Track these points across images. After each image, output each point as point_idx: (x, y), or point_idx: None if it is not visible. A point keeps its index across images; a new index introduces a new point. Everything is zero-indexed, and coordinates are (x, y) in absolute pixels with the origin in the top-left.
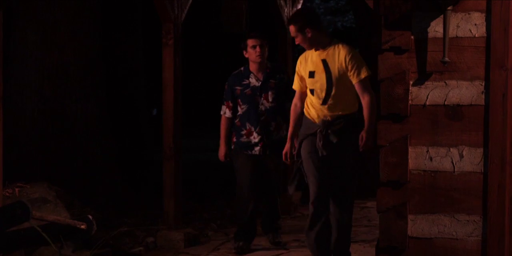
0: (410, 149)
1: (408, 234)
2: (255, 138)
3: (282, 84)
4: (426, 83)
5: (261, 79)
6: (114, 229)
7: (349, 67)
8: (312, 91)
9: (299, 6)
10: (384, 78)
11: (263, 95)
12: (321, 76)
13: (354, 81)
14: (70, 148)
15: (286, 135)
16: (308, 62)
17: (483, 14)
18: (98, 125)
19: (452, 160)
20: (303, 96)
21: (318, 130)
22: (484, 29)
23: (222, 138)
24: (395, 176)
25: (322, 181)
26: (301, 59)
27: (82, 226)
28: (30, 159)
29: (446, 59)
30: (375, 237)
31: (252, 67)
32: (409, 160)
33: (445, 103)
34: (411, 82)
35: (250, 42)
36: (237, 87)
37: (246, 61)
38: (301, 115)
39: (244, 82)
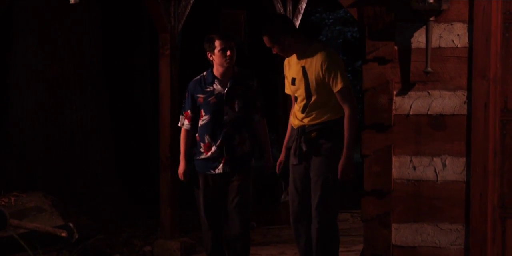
0: (394, 159)
1: (392, 243)
2: (214, 153)
3: (250, 92)
4: (409, 93)
5: (228, 85)
6: (112, 238)
7: (326, 77)
8: (296, 98)
9: (300, 17)
10: (368, 88)
11: (229, 103)
12: (300, 84)
13: (334, 91)
14: (69, 157)
15: (250, 151)
16: (292, 67)
17: (465, 25)
18: (99, 134)
19: (435, 169)
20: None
21: (296, 137)
22: (466, 39)
23: (182, 153)
24: (379, 185)
25: (302, 194)
26: (285, 63)
27: (63, 234)
28: (29, 168)
29: (429, 69)
30: None
31: (218, 71)
32: (393, 170)
33: (428, 113)
34: (394, 92)
35: (219, 44)
36: (199, 95)
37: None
38: None
39: (208, 89)
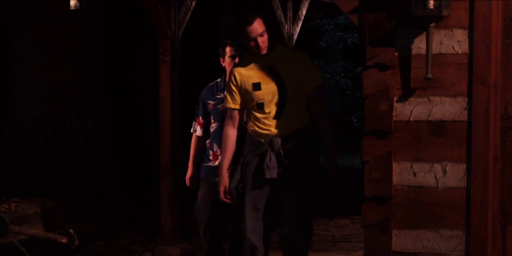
0: (394, 165)
1: (393, 249)
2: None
3: None
4: (410, 99)
5: None
6: (112, 244)
7: (306, 72)
8: (259, 106)
9: (300, 23)
10: (368, 95)
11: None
12: (270, 87)
13: (310, 87)
14: (70, 164)
15: None
16: (249, 73)
17: (466, 31)
18: (99, 141)
19: (435, 175)
20: (239, 116)
21: (269, 149)
22: (467, 45)
23: (191, 159)
24: (379, 192)
25: (265, 211)
26: (236, 72)
27: (63, 240)
28: (29, 175)
29: (429, 75)
30: None
31: None
32: (393, 176)
33: (429, 119)
34: (395, 98)
35: (229, 51)
36: (209, 101)
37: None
38: (234, 147)
39: (218, 96)
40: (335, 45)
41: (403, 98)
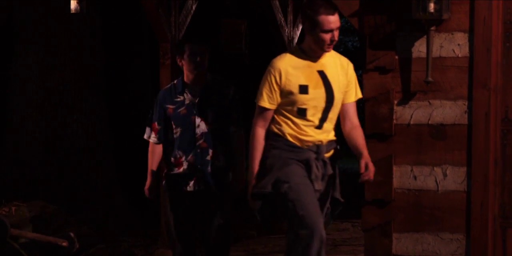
0: (394, 168)
1: (393, 253)
2: (185, 169)
3: (225, 101)
4: (410, 102)
5: (199, 94)
6: (113, 248)
7: (352, 83)
8: (301, 112)
9: (301, 27)
10: (369, 98)
11: (201, 114)
12: (318, 92)
13: (351, 99)
14: (70, 167)
15: (225, 166)
16: (296, 72)
17: (466, 34)
18: (99, 144)
19: (436, 179)
20: (270, 117)
21: (313, 157)
22: (467, 49)
23: (149, 167)
24: (380, 195)
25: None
26: (282, 68)
27: (63, 243)
28: (30, 178)
29: (430, 79)
30: None
31: (188, 79)
32: (394, 179)
33: (429, 122)
34: (395, 102)
35: (189, 48)
36: (168, 105)
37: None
38: (263, 148)
39: (178, 99)
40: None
41: (404, 101)
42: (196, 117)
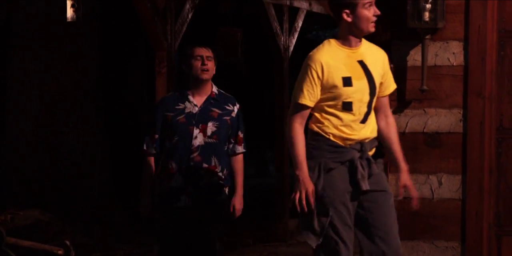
0: (390, 176)
1: None
2: (177, 181)
3: (228, 117)
4: (405, 111)
5: (201, 105)
6: None
7: (388, 74)
8: (347, 106)
9: (296, 35)
10: None
11: (200, 125)
12: (361, 84)
13: (388, 91)
14: (66, 175)
15: (221, 184)
16: (337, 64)
17: (461, 43)
18: (95, 152)
19: (431, 187)
20: (307, 115)
21: (357, 156)
22: (462, 57)
23: (145, 183)
24: None
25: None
26: (322, 60)
27: (59, 252)
28: (26, 186)
29: (425, 87)
30: None
31: (192, 86)
32: (389, 187)
33: (424, 130)
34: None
35: (196, 52)
36: (168, 113)
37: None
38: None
39: (178, 107)
40: None
41: (399, 109)
42: (195, 128)
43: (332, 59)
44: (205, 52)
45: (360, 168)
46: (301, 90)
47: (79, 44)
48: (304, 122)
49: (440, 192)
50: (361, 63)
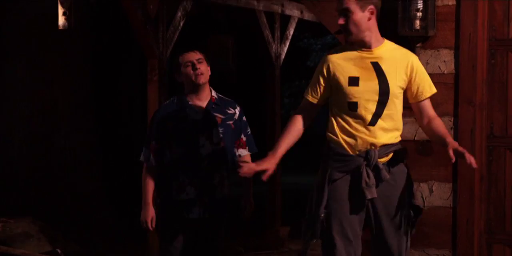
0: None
1: None
2: (188, 194)
3: (231, 122)
4: None
5: (204, 110)
6: None
7: (416, 80)
8: (352, 106)
9: (288, 43)
10: None
11: (205, 132)
12: (370, 85)
13: (425, 96)
14: (58, 183)
15: (229, 195)
16: (347, 64)
17: (452, 51)
18: (87, 160)
19: (422, 195)
20: (312, 112)
21: (364, 164)
22: (452, 66)
23: (148, 195)
24: None
25: (354, 240)
26: (330, 60)
27: None
28: (17, 194)
29: None
30: None
31: (191, 94)
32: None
33: (415, 138)
34: None
35: (184, 58)
36: (169, 122)
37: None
38: (298, 133)
39: (180, 115)
40: None
41: None
42: (200, 136)
43: (341, 58)
44: (194, 56)
45: (365, 175)
46: (308, 86)
47: (71, 52)
48: (306, 116)
49: (431, 200)
50: (375, 65)
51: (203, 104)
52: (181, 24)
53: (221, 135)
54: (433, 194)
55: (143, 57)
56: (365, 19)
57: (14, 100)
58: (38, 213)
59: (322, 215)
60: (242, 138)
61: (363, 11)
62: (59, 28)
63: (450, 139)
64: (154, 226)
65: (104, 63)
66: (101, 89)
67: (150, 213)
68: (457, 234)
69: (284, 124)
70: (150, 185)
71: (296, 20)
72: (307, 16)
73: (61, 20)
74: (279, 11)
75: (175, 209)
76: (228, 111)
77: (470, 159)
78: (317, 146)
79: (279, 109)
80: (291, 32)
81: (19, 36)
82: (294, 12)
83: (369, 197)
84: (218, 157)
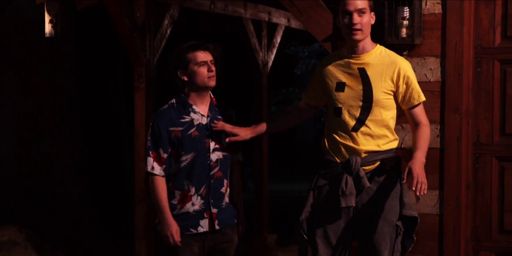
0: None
1: None
2: (196, 204)
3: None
4: None
5: (207, 114)
6: None
7: (404, 87)
8: (337, 111)
9: (275, 51)
10: None
11: (214, 137)
12: (355, 91)
13: (408, 105)
14: (45, 191)
15: (233, 200)
16: (336, 69)
17: (438, 59)
18: (74, 168)
19: None
20: (304, 111)
21: (344, 171)
22: (439, 74)
23: (165, 207)
24: None
25: (340, 248)
26: (323, 64)
27: None
28: (4, 202)
29: None
30: None
31: (194, 96)
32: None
33: (402, 146)
34: None
35: (199, 57)
36: (174, 128)
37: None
38: (283, 121)
39: (184, 120)
40: (309, 72)
41: None
42: (210, 140)
43: (332, 64)
44: (208, 57)
45: (342, 183)
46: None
47: (57, 60)
48: (295, 111)
49: (417, 207)
50: (361, 70)
51: (206, 107)
52: (168, 32)
53: (228, 139)
54: (420, 202)
55: (130, 65)
56: (371, 22)
57: (0, 107)
58: (24, 220)
59: (302, 220)
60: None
61: (371, 14)
62: (46, 35)
63: (417, 153)
64: (180, 239)
65: (91, 70)
66: (87, 96)
67: (173, 225)
68: (443, 242)
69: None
70: (164, 196)
71: (283, 28)
72: (294, 24)
73: (48, 27)
74: (266, 19)
75: (184, 227)
76: (228, 113)
77: (417, 186)
78: (304, 154)
79: (266, 117)
80: (278, 40)
81: (5, 43)
82: (281, 20)
83: (343, 205)
84: (226, 162)
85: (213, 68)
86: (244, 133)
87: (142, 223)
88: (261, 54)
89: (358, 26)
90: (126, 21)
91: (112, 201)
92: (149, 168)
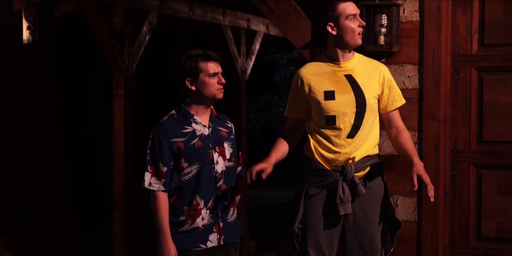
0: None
1: None
2: (205, 219)
3: (233, 136)
4: None
5: (209, 125)
6: None
7: (387, 90)
8: (330, 120)
9: (253, 58)
10: None
11: (217, 147)
12: (347, 97)
13: (394, 106)
14: (22, 198)
15: (237, 215)
16: (320, 78)
17: (416, 67)
18: (52, 174)
19: None
20: (298, 127)
21: (340, 179)
22: (416, 81)
23: (165, 227)
24: None
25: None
26: (302, 75)
27: None
28: None
29: None
30: None
31: (196, 106)
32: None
33: (380, 153)
34: None
35: (211, 68)
36: (176, 139)
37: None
38: (286, 147)
39: (186, 130)
40: (288, 79)
41: None
42: (214, 151)
43: (314, 73)
44: (219, 68)
45: (340, 191)
46: (287, 104)
47: (35, 66)
48: (293, 132)
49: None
50: (349, 77)
51: (207, 117)
52: (147, 38)
53: (231, 150)
54: (398, 209)
55: (109, 71)
56: None
57: None
58: (2, 228)
59: (296, 230)
60: (240, 155)
61: None
62: (24, 42)
63: (416, 159)
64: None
65: (69, 76)
66: (65, 103)
67: (172, 249)
68: (421, 248)
69: (250, 139)
70: (163, 213)
71: (262, 35)
72: (273, 31)
73: (26, 34)
74: (245, 26)
75: (187, 239)
76: (228, 125)
77: (431, 192)
78: (282, 161)
79: (245, 124)
80: (257, 47)
81: None
82: (260, 27)
83: (342, 213)
84: (230, 174)
85: (223, 81)
86: (267, 166)
87: (121, 230)
88: (240, 61)
89: (361, 30)
90: (105, 27)
91: (91, 208)
92: (146, 184)
